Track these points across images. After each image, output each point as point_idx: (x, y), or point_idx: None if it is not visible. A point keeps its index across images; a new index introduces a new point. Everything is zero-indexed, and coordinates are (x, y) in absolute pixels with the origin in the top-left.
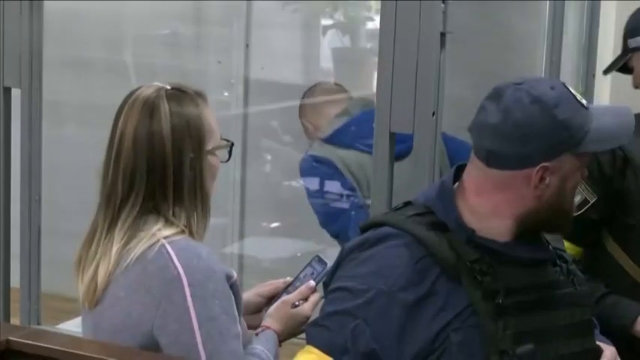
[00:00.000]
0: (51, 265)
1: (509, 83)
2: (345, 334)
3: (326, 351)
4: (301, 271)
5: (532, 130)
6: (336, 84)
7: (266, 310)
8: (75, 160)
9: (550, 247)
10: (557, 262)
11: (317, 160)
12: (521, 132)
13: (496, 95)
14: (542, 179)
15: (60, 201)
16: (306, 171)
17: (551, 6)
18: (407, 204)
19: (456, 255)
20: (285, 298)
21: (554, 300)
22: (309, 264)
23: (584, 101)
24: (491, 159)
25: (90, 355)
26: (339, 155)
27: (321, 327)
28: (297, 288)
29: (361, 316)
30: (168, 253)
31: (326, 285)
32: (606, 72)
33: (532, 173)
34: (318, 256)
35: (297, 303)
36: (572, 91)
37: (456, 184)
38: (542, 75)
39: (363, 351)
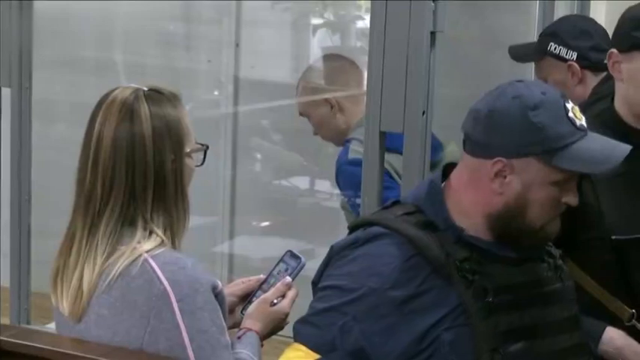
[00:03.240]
0: (41, 264)
1: (513, 80)
2: (334, 331)
3: (314, 348)
4: (274, 268)
5: (501, 122)
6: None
7: (240, 310)
8: (65, 159)
9: None
10: (545, 257)
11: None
12: (492, 120)
13: (496, 87)
14: (499, 173)
15: (50, 200)
16: (350, 176)
17: (541, 6)
18: (395, 203)
19: (446, 254)
20: (263, 297)
21: (543, 297)
22: (282, 260)
23: (579, 122)
24: (466, 143)
25: (80, 354)
26: (387, 160)
27: (310, 324)
28: (271, 285)
29: (350, 313)
30: (152, 267)
31: (315, 283)
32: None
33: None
34: (290, 251)
35: (275, 301)
36: (570, 107)
37: (444, 182)
38: (532, 74)
39: (352, 348)
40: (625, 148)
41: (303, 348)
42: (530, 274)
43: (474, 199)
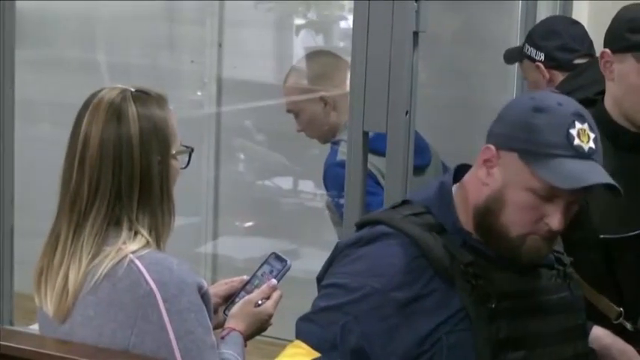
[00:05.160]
0: (25, 265)
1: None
2: (335, 330)
3: (315, 346)
4: (258, 269)
5: (505, 114)
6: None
7: (223, 310)
8: (48, 159)
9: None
10: (555, 265)
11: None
12: (500, 113)
13: None
14: (487, 161)
15: (34, 201)
16: (338, 178)
17: (523, 6)
18: (404, 202)
19: (451, 257)
20: (247, 297)
21: (547, 305)
22: (267, 261)
23: (577, 142)
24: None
25: (64, 355)
26: (374, 164)
27: (312, 322)
28: (255, 286)
29: (352, 313)
30: (138, 268)
31: (319, 280)
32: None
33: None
34: (275, 253)
35: (259, 302)
36: (578, 127)
37: (456, 184)
38: (515, 74)
39: (352, 348)
40: (600, 179)
41: (304, 345)
42: (536, 282)
43: (470, 190)
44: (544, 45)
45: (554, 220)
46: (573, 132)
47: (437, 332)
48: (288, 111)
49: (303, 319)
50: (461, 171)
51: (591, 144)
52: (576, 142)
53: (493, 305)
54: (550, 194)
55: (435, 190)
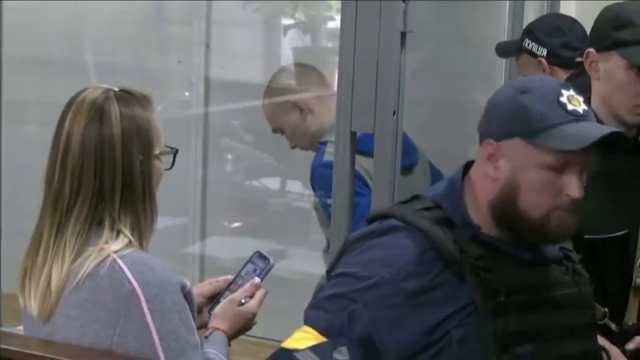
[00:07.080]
0: (14, 266)
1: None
2: (343, 316)
3: (323, 332)
4: (242, 268)
5: (494, 109)
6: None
7: (207, 310)
8: (36, 160)
9: (557, 246)
10: (564, 261)
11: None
12: (489, 108)
13: None
14: (490, 157)
15: (21, 201)
16: (325, 179)
17: (511, 6)
18: (414, 198)
19: (461, 251)
20: (231, 297)
21: (556, 301)
22: (250, 260)
23: (571, 107)
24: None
25: (50, 356)
26: (362, 164)
27: (320, 309)
28: (239, 285)
29: (361, 300)
30: (120, 268)
31: (329, 272)
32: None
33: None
34: (258, 252)
35: (243, 301)
36: (565, 93)
37: (464, 179)
38: (502, 74)
39: (359, 335)
40: (607, 130)
41: (312, 330)
42: (545, 277)
43: (480, 188)
44: (548, 41)
45: (573, 188)
46: (563, 99)
47: (445, 325)
48: (274, 131)
49: (312, 307)
50: (469, 167)
51: (583, 106)
52: (570, 107)
53: (501, 299)
54: (562, 164)
55: (445, 185)
